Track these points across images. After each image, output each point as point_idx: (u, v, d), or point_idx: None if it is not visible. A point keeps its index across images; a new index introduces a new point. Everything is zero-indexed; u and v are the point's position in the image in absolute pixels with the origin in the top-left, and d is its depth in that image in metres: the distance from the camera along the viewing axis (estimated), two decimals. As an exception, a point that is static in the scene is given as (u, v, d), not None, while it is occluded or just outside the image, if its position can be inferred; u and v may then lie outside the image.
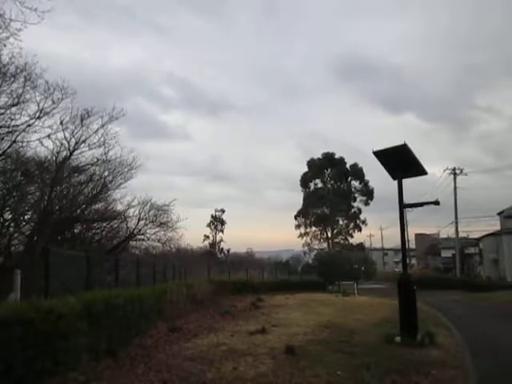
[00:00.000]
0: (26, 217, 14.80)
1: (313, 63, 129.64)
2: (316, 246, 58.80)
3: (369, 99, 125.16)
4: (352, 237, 58.38)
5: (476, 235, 48.49)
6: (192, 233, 62.10)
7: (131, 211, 18.80)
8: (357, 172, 58.50)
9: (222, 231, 59.10)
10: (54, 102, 12.91)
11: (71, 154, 14.88)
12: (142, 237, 19.51)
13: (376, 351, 7.80)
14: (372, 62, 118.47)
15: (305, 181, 59.98)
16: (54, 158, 14.65)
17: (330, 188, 58.79)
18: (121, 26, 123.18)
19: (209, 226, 59.15)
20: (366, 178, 58.48)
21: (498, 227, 43.16)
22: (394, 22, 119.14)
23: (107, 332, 6.83)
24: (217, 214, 59.48)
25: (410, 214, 43.04)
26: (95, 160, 15.58)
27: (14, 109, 11.80)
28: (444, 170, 41.84)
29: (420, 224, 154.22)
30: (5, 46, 10.32)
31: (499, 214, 43.34)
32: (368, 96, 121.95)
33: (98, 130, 15.13)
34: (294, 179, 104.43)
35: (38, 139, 13.24)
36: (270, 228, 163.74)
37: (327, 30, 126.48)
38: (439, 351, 8.01)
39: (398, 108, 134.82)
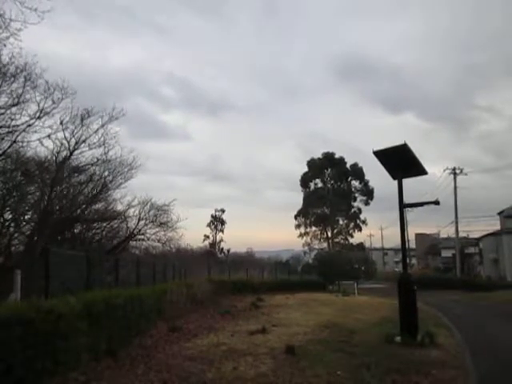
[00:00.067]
0: (26, 217, 14.81)
1: (313, 63, 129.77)
2: (316, 246, 58.91)
3: (369, 99, 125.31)
4: (352, 237, 58.52)
5: (476, 235, 48.61)
6: (192, 233, 62.22)
7: (131, 211, 18.83)
8: (357, 172, 58.50)
9: (222, 231, 59.22)
10: (54, 102, 12.93)
11: (71, 153, 14.89)
12: (142, 237, 19.53)
13: (376, 351, 7.80)
14: (372, 62, 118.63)
15: (305, 181, 59.99)
16: (54, 158, 14.66)
17: (330, 188, 58.79)
18: (121, 25, 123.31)
19: (209, 225, 59.26)
20: (366, 177, 58.62)
21: (498, 227, 43.20)
22: (394, 22, 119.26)
23: (107, 332, 6.84)
24: (217, 213, 59.59)
25: (410, 213, 43.03)
26: (95, 160, 15.61)
27: (14, 109, 11.82)
28: (444, 170, 41.84)
29: (420, 224, 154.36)
30: (5, 45, 10.34)
31: (499, 213, 43.35)
32: (368, 96, 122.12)
33: (98, 129, 15.15)
34: (293, 179, 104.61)
35: (38, 139, 13.26)
36: (270, 228, 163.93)
37: (327, 30, 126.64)
38: (439, 351, 8.01)
39: (398, 108, 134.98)
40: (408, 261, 11.69)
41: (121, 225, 19.10)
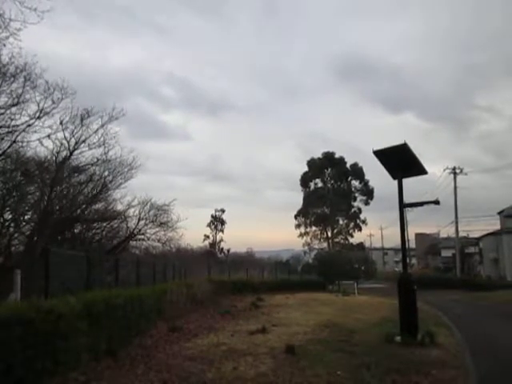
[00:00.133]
0: (26, 217, 14.81)
1: (313, 63, 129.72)
2: (316, 246, 58.92)
3: (369, 99, 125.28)
4: (352, 236, 58.52)
5: (476, 235, 48.60)
6: (192, 233, 62.22)
7: (131, 211, 18.84)
8: (357, 171, 58.50)
9: (222, 231, 59.19)
10: (53, 102, 12.93)
11: (71, 153, 14.89)
12: (142, 237, 19.53)
13: (376, 351, 7.80)
14: (372, 62, 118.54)
15: (305, 180, 59.99)
16: (54, 158, 14.67)
17: (330, 188, 58.80)
18: (121, 25, 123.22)
19: (209, 225, 59.23)
20: (366, 177, 58.61)
21: (498, 227, 43.19)
22: (394, 22, 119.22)
23: (107, 332, 6.83)
24: (217, 213, 59.57)
25: (410, 213, 42.86)
26: (95, 160, 15.61)
27: (13, 109, 11.82)
28: (444, 170, 41.87)
29: (420, 223, 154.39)
30: (4, 45, 10.35)
31: (499, 213, 43.35)
32: (368, 96, 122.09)
33: (97, 129, 15.16)
34: (294, 179, 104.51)
35: (38, 139, 13.27)
36: (270, 228, 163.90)
37: (327, 30, 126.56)
38: (439, 351, 8.00)
39: (398, 108, 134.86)
40: (408, 260, 11.69)
41: (121, 225, 19.12)
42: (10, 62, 11.16)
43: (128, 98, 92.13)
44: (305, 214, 59.24)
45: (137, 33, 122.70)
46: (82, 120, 14.57)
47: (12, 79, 11.51)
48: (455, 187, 40.70)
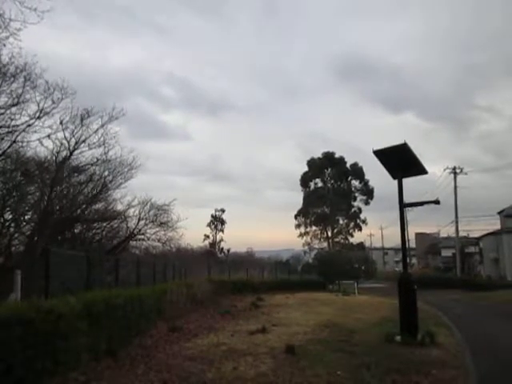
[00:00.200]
0: (26, 217, 14.81)
1: (313, 63, 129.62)
2: (316, 246, 58.95)
3: (369, 99, 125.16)
4: (352, 236, 58.54)
5: (476, 234, 48.59)
6: (192, 232, 62.15)
7: (131, 211, 18.84)
8: (357, 171, 58.52)
9: (222, 231, 59.16)
10: (53, 102, 12.93)
11: (71, 153, 14.89)
12: (142, 237, 19.54)
13: (376, 351, 7.80)
14: (372, 62, 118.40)
15: (305, 180, 60.01)
16: (54, 158, 14.67)
17: (330, 187, 58.81)
18: (121, 25, 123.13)
19: (209, 225, 59.20)
20: (366, 177, 58.64)
21: (498, 226, 43.16)
22: (394, 22, 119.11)
23: (107, 332, 6.84)
24: (217, 213, 59.53)
25: (410, 213, 42.87)
26: (95, 160, 15.61)
27: (13, 109, 11.82)
28: (444, 170, 41.87)
29: (420, 223, 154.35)
30: (4, 45, 10.35)
31: (499, 213, 43.34)
32: (368, 96, 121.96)
33: (97, 129, 15.16)
34: (294, 179, 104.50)
35: (38, 139, 13.27)
36: (270, 228, 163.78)
37: (327, 30, 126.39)
38: (439, 351, 8.01)
39: (398, 107, 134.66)
40: (408, 260, 11.70)
41: (121, 225, 19.12)
42: (9, 61, 11.17)
43: (128, 97, 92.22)
44: (305, 214, 59.26)
45: (137, 33, 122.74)
46: (81, 120, 14.59)
47: (12, 79, 11.52)
48: (455, 187, 40.73)
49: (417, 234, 65.95)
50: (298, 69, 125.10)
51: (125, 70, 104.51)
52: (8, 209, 13.77)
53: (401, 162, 9.55)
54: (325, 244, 58.63)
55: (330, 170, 59.08)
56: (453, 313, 15.83)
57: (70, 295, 6.15)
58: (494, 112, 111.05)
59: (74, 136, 14.63)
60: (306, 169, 60.14)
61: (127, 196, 18.60)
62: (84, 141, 14.89)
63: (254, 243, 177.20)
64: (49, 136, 13.47)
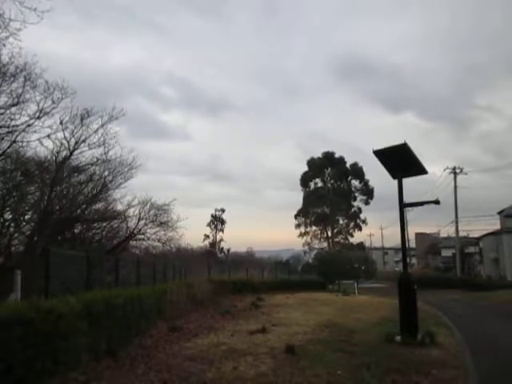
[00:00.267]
0: (26, 217, 14.81)
1: (313, 63, 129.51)
2: (316, 246, 59.02)
3: (369, 99, 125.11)
4: (352, 236, 58.60)
5: (476, 234, 48.58)
6: (192, 232, 62.04)
7: (131, 211, 18.84)
8: (357, 171, 58.54)
9: (222, 231, 59.12)
10: (53, 102, 12.93)
11: (71, 153, 14.89)
12: (142, 236, 19.54)
13: (376, 351, 7.80)
14: (372, 62, 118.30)
15: (305, 180, 60.03)
16: (54, 158, 14.67)
17: (330, 187, 58.84)
18: (121, 25, 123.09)
19: (209, 225, 59.17)
20: (366, 177, 58.70)
21: (498, 226, 43.17)
22: (394, 22, 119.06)
23: (107, 332, 6.84)
24: (217, 213, 59.50)
25: (410, 213, 42.94)
26: (95, 160, 15.62)
27: (13, 109, 11.82)
28: (444, 170, 41.90)
29: (420, 223, 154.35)
30: (4, 45, 10.35)
31: (499, 213, 43.34)
32: (368, 95, 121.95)
33: (97, 129, 15.16)
34: (294, 179, 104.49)
35: (38, 139, 13.26)
36: (270, 227, 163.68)
37: (327, 30, 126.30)
38: (439, 351, 8.01)
39: (398, 107, 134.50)
40: (408, 260, 11.70)
41: (121, 225, 19.12)
42: (9, 61, 11.17)
43: (128, 97, 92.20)
44: (305, 214, 59.28)
45: (137, 33, 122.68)
46: (81, 120, 14.59)
47: (12, 79, 11.52)
48: (455, 187, 40.75)
49: (417, 234, 65.95)
50: (297, 69, 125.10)
51: (125, 69, 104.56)
52: (8, 209, 13.77)
53: (401, 161, 9.55)
54: (325, 244, 58.68)
55: (329, 169, 59.11)
56: (453, 313, 15.83)
57: (70, 295, 6.15)
58: (494, 112, 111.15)
59: (73, 136, 14.64)
60: (305, 169, 60.27)
61: (127, 196, 18.61)
62: (84, 141, 14.90)
63: (254, 243, 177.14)
64: (49, 136, 13.48)
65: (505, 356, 7.90)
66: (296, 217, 59.90)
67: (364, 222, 58.59)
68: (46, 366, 4.93)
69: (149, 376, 5.94)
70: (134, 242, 20.12)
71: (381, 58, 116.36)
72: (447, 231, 52.25)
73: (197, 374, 6.10)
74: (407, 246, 15.08)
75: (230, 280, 25.25)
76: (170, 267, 17.17)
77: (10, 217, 14.11)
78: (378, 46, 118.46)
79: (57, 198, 14.90)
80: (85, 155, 15.42)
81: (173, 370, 6.27)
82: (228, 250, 57.69)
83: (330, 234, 58.87)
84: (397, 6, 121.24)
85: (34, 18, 9.82)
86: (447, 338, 9.65)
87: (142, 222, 19.03)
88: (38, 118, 12.51)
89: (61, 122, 13.85)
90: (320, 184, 59.79)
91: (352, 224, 58.44)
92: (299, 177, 60.55)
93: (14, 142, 12.36)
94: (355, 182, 59.36)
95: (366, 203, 58.66)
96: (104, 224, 18.12)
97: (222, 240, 58.55)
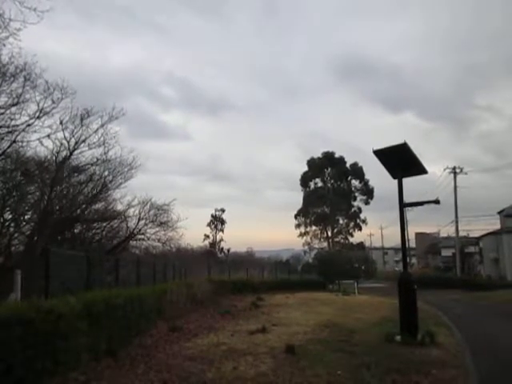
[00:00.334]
0: (26, 217, 14.81)
1: (313, 63, 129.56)
2: (316, 246, 59.02)
3: (369, 98, 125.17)
4: (352, 236, 58.62)
5: (476, 234, 48.56)
6: (192, 232, 62.13)
7: (131, 211, 18.83)
8: (357, 171, 58.54)
9: (222, 231, 59.11)
10: (53, 102, 12.92)
11: (71, 153, 14.89)
12: (142, 236, 19.53)
13: (376, 350, 7.80)
14: (372, 62, 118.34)
15: (305, 180, 60.03)
16: (54, 158, 14.66)
17: (330, 187, 58.84)
18: (121, 25, 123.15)
19: (209, 225, 59.15)
20: (366, 177, 58.72)
21: (498, 226, 43.16)
22: (394, 22, 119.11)
23: (107, 332, 6.84)
24: (217, 213, 59.49)
25: (410, 213, 42.86)
26: (95, 160, 15.61)
27: (13, 109, 11.82)
28: (444, 169, 41.90)
29: (420, 223, 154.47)
30: (4, 45, 10.34)
31: (499, 212, 43.34)
32: (368, 95, 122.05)
33: (97, 129, 15.15)
34: (294, 179, 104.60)
35: (38, 139, 13.26)
36: (270, 227, 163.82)
37: (327, 29, 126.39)
38: (440, 350, 8.00)
39: (398, 107, 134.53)
40: (408, 260, 11.70)
41: (121, 225, 19.12)
42: (9, 61, 11.17)
43: (128, 97, 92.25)
44: (305, 214, 59.28)
45: (137, 33, 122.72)
46: (81, 120, 14.58)
47: (12, 79, 11.52)
48: (455, 187, 40.75)
49: (417, 234, 65.95)
50: (297, 69, 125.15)
51: (125, 69, 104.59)
52: (8, 209, 13.77)
53: (401, 161, 9.55)
54: (325, 244, 58.68)
55: (329, 169, 59.11)
56: (453, 313, 15.83)
57: (70, 295, 6.15)
58: (494, 112, 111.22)
59: (73, 136, 14.64)
60: (305, 169, 60.27)
61: (127, 196, 18.60)
62: (84, 141, 14.89)
63: (254, 243, 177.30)
64: (49, 136, 13.48)
65: (505, 356, 7.90)
66: (296, 217, 59.96)
67: (364, 221, 58.68)
68: (46, 366, 4.93)
69: (149, 376, 5.94)
70: (134, 242, 20.12)
71: (381, 58, 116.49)
72: (447, 231, 52.29)
73: (197, 373, 6.10)
74: (407, 245, 15.08)
75: (230, 280, 25.24)
76: (169, 267, 17.16)
77: (10, 217, 14.11)
78: (378, 46, 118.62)
79: (57, 198, 14.90)
80: (85, 155, 15.43)
81: (173, 370, 6.27)
82: (228, 250, 57.73)
83: (329, 233, 58.88)
84: (397, 6, 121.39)
85: (33, 18, 9.81)
86: (447, 337, 9.65)
87: (142, 222, 19.04)
88: (38, 117, 12.51)
89: (61, 122, 13.86)
90: (320, 184, 59.84)
91: (352, 224, 58.45)
92: (299, 177, 60.66)
93: (14, 141, 12.36)
94: (355, 182, 59.45)
95: (366, 203, 58.74)
96: (104, 224, 18.12)
97: (222, 240, 58.62)
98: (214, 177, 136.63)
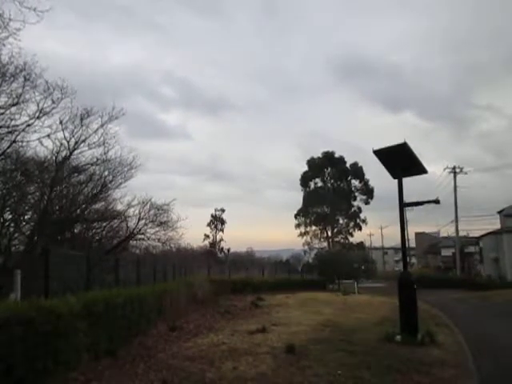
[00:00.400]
0: (25, 217, 14.78)
1: (313, 63, 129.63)
2: (316, 245, 58.94)
3: (369, 98, 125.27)
4: (352, 236, 58.57)
5: (476, 234, 48.49)
6: (192, 232, 62.02)
7: (131, 211, 18.77)
8: (357, 171, 58.51)
9: (222, 230, 59.08)
10: (53, 102, 12.88)
11: (71, 153, 14.87)
12: (142, 236, 19.47)
13: (376, 350, 7.80)
14: (372, 62, 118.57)
15: (305, 180, 60.00)
16: (54, 158, 14.63)
17: (330, 187, 58.82)
18: (121, 25, 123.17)
19: (209, 225, 59.13)
20: (366, 176, 58.68)
21: (498, 226, 43.14)
22: (394, 22, 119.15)
23: (107, 332, 6.83)
24: (217, 213, 59.47)
25: (409, 212, 42.82)
26: (95, 160, 15.56)
27: (13, 109, 11.78)
28: (444, 169, 41.96)
29: (420, 223, 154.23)
30: (4, 45, 10.31)
31: (499, 212, 43.33)
32: (368, 95, 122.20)
33: (97, 129, 15.10)
34: (294, 178, 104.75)
35: (38, 139, 13.23)
36: (270, 227, 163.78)
37: (327, 29, 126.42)
38: (440, 350, 8.01)
39: (398, 107, 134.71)
40: (408, 260, 11.69)
41: (121, 224, 19.06)
42: (9, 61, 11.13)
43: (128, 97, 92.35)
44: (305, 214, 59.26)
45: (137, 33, 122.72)
46: (81, 120, 14.54)
47: (12, 79, 11.48)
48: (455, 186, 40.78)
49: (417, 234, 65.97)
50: (297, 69, 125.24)
51: (125, 69, 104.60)
52: (8, 209, 13.74)
53: (401, 161, 9.55)
54: (325, 244, 58.62)
55: (329, 169, 59.09)
56: (453, 312, 15.82)
57: (70, 295, 6.15)
58: (493, 111, 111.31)
59: (73, 136, 14.61)
60: (305, 168, 60.24)
61: (127, 196, 18.53)
62: (84, 140, 14.86)
63: (254, 243, 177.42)
64: (48, 136, 13.44)
65: (505, 356, 7.89)
66: (296, 217, 59.93)
67: (364, 221, 58.63)
68: (46, 365, 4.92)
69: (149, 376, 5.93)
70: (134, 242, 20.07)
71: (380, 58, 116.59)
72: (447, 231, 52.38)
73: (197, 373, 6.10)
74: (407, 245, 15.07)
75: (230, 280, 25.26)
76: (169, 267, 17.16)
77: (10, 217, 14.09)
78: (378, 45, 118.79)
79: (57, 198, 14.88)
80: (85, 155, 15.39)
81: (173, 370, 6.27)
82: (228, 250, 57.68)
83: (329, 233, 58.86)
84: (397, 6, 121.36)
85: (33, 18, 9.76)
86: (447, 337, 9.65)
87: (142, 222, 18.98)
88: (38, 117, 12.48)
89: (61, 122, 13.83)
90: (320, 184, 59.80)
91: (352, 224, 58.42)
92: (299, 176, 60.60)
93: (14, 141, 12.33)
94: (355, 182, 59.40)
95: (366, 203, 58.70)
96: (104, 224, 18.08)
97: (221, 240, 58.58)
98: (213, 176, 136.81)
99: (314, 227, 59.49)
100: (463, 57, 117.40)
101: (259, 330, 10.11)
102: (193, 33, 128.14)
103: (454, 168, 41.18)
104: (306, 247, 59.48)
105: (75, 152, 14.96)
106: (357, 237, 59.17)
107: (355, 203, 58.93)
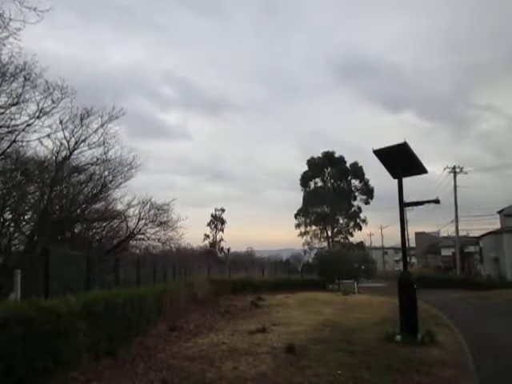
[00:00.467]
0: (25, 217, 14.77)
1: (312, 63, 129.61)
2: (316, 245, 58.93)
3: (369, 98, 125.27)
4: (352, 236, 58.57)
5: (476, 234, 48.49)
6: (192, 232, 61.96)
7: (131, 211, 18.76)
8: (357, 171, 58.52)
9: (222, 230, 59.05)
10: (53, 102, 12.88)
11: (71, 153, 14.87)
12: (142, 236, 19.47)
13: (376, 350, 7.80)
14: (372, 62, 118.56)
15: (305, 180, 60.00)
16: (54, 158, 14.63)
17: (330, 187, 58.83)
18: (121, 25, 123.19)
19: (209, 225, 59.11)
20: (366, 176, 58.69)
21: (498, 226, 43.14)
22: (394, 22, 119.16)
23: (107, 332, 6.83)
24: (217, 213, 59.46)
25: (409, 212, 42.83)
26: (95, 159, 15.56)
27: (13, 108, 11.78)
28: (444, 169, 41.97)
29: (420, 223, 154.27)
30: (4, 45, 10.30)
31: (499, 212, 43.33)
32: (368, 95, 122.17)
33: (97, 129, 15.10)
34: (294, 178, 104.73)
35: (38, 139, 13.23)
36: (270, 227, 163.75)
37: (327, 29, 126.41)
38: (440, 350, 8.01)
39: (398, 107, 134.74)
40: (408, 260, 11.70)
41: (121, 224, 19.05)
42: (9, 61, 11.13)
43: (128, 97, 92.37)
44: (305, 214, 59.27)
45: (137, 33, 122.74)
46: (81, 119, 14.54)
47: (12, 79, 11.48)
48: (455, 186, 40.77)
49: (416, 234, 65.97)
50: (297, 69, 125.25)
51: (125, 69, 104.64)
52: (8, 209, 13.74)
53: (401, 161, 9.55)
54: (325, 243, 58.63)
55: (329, 169, 59.10)
56: (453, 312, 15.82)
57: (70, 295, 6.15)
58: (493, 111, 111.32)
59: (73, 136, 14.61)
60: (305, 168, 60.24)
61: (127, 196, 18.52)
62: (84, 140, 14.86)
63: (254, 243, 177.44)
64: (48, 136, 13.44)
65: (505, 356, 7.89)
66: (296, 216, 59.93)
67: (364, 221, 58.63)
68: (47, 365, 4.92)
69: (149, 376, 5.93)
70: (134, 242, 20.06)
71: (380, 58, 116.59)
72: (447, 230, 52.34)
73: (197, 373, 6.10)
74: (407, 245, 15.07)
75: (230, 280, 25.26)
76: (170, 267, 17.16)
77: (10, 217, 14.09)
78: (378, 45, 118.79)
79: (57, 198, 14.88)
80: (85, 155, 15.39)
81: (173, 370, 6.27)
82: (228, 250, 57.67)
83: (330, 233, 58.86)
84: (397, 6, 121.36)
85: (33, 18, 9.76)
86: (447, 337, 9.65)
87: (142, 222, 18.97)
88: (38, 117, 12.48)
89: (61, 122, 13.83)
90: (320, 184, 59.81)
91: (352, 223, 58.43)
92: (299, 176, 60.61)
93: (14, 141, 12.33)
94: (355, 182, 59.41)
95: (366, 203, 58.71)
96: (104, 224, 18.08)
97: (221, 240, 58.56)
98: (213, 176, 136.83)
99: (313, 227, 59.54)
100: (463, 57, 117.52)
101: (259, 329, 10.11)
102: (193, 33, 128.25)
103: (454, 168, 41.21)
104: (306, 247, 59.58)
105: (75, 152, 14.96)
106: (357, 237, 59.28)
107: (355, 203, 59.01)
